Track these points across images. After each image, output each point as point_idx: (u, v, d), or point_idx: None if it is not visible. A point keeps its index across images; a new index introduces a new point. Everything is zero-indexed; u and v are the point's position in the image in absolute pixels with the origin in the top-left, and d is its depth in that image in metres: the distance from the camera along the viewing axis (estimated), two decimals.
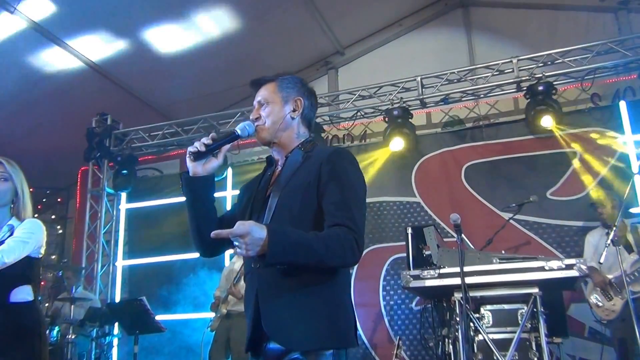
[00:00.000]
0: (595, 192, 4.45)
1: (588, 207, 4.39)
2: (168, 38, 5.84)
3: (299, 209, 1.46)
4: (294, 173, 1.53)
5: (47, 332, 4.62)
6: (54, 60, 5.65)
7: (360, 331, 5.27)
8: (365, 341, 5.23)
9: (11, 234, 2.23)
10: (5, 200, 2.30)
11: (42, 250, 2.34)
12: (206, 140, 1.50)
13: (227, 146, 1.54)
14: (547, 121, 4.91)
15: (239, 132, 1.55)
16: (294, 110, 1.63)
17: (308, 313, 1.39)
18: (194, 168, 1.53)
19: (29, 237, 2.24)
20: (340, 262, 1.41)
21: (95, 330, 5.19)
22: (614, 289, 3.89)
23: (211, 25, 5.89)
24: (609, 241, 3.23)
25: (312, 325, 1.39)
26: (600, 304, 3.96)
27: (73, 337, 4.78)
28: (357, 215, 1.44)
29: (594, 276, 3.96)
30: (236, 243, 1.29)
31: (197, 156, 1.50)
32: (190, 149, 1.50)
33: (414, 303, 5.14)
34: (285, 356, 1.40)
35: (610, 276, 3.92)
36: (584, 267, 2.91)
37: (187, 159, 1.52)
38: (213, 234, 1.32)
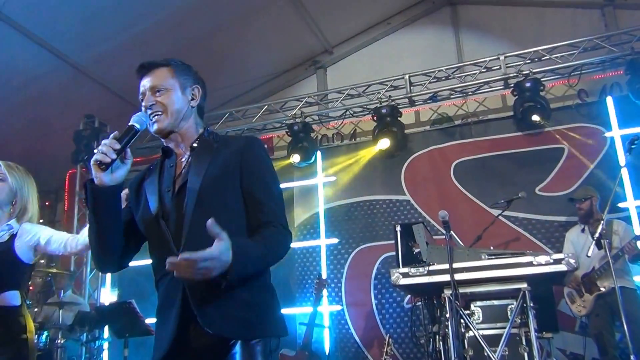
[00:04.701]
0: (580, 189, 4.46)
1: (568, 202, 4.41)
2: (152, 38, 5.78)
3: (226, 198, 1.43)
4: (210, 164, 1.44)
5: (36, 337, 4.56)
6: (39, 62, 5.58)
7: (352, 330, 5.26)
8: (358, 340, 5.22)
9: (12, 236, 2.21)
10: (1, 200, 2.29)
11: (36, 258, 2.33)
12: (114, 144, 1.35)
13: (128, 147, 1.40)
14: (535, 118, 4.93)
15: (137, 126, 1.41)
16: (193, 99, 1.54)
17: (245, 302, 1.37)
18: (102, 178, 1.35)
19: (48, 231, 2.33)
20: (279, 259, 1.44)
21: (85, 334, 5.13)
22: (584, 285, 3.93)
23: (197, 24, 5.85)
24: (597, 235, 3.25)
25: (253, 313, 1.38)
26: (572, 301, 4.00)
27: (62, 341, 4.72)
28: (282, 211, 1.48)
29: (567, 275, 3.99)
30: (202, 265, 1.20)
31: (107, 165, 1.34)
32: (98, 157, 1.33)
33: (405, 301, 5.14)
34: (220, 351, 1.35)
35: (580, 273, 3.96)
36: (572, 261, 2.92)
37: (93, 169, 1.35)
38: (172, 260, 1.19)
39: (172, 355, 1.36)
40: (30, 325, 2.25)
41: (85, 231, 2.28)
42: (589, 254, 3.57)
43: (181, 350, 1.36)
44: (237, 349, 1.34)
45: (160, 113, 1.47)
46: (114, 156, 1.34)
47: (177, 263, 1.20)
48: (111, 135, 1.37)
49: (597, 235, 3.25)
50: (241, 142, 1.49)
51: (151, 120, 1.47)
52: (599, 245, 3.62)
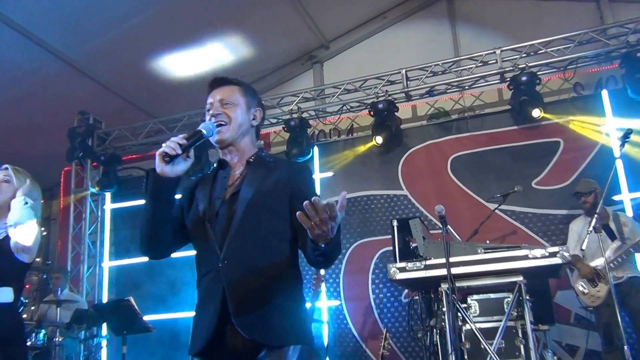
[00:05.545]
0: (580, 182, 4.47)
1: (572, 196, 4.42)
2: (147, 34, 5.74)
3: (273, 211, 1.53)
4: (264, 179, 1.55)
5: (34, 335, 4.56)
6: (30, 58, 5.52)
7: (350, 325, 5.28)
8: (356, 335, 5.24)
9: (7, 235, 2.21)
10: (3, 201, 2.35)
11: (31, 257, 2.31)
12: (180, 140, 1.46)
13: (191, 148, 1.51)
14: (531, 111, 4.94)
15: (204, 132, 1.52)
16: (254, 119, 1.67)
17: (279, 310, 1.44)
18: (163, 168, 1.46)
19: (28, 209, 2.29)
20: (338, 257, 1.51)
21: (83, 332, 5.13)
22: (599, 276, 3.94)
23: (191, 18, 5.80)
24: (590, 228, 3.27)
25: (285, 321, 1.44)
26: (585, 291, 4.01)
27: (60, 339, 4.72)
28: None
29: (579, 266, 4.01)
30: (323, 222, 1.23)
31: (171, 158, 1.46)
32: (165, 149, 1.45)
33: (402, 295, 5.16)
34: (249, 353, 1.43)
35: (594, 264, 3.98)
36: (566, 254, 2.94)
37: (158, 159, 1.46)
38: (316, 200, 1.22)
39: (207, 350, 1.44)
40: (22, 322, 2.25)
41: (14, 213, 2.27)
42: (583, 247, 3.59)
43: (216, 347, 1.44)
44: (268, 353, 1.42)
45: (224, 123, 1.58)
46: (179, 151, 1.45)
47: (320, 207, 1.23)
48: (180, 135, 1.49)
49: (591, 227, 3.27)
50: (293, 166, 1.65)
51: (216, 130, 1.57)
52: (611, 237, 3.66)
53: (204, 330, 1.45)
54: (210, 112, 1.61)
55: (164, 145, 1.46)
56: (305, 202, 1.23)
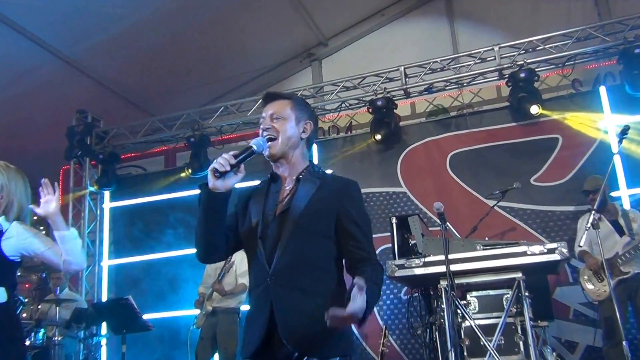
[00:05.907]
0: (587, 179, 4.44)
1: (579, 193, 4.38)
2: (145, 31, 5.72)
3: (321, 228, 1.62)
4: (312, 196, 1.63)
5: (33, 334, 4.56)
6: (27, 56, 5.50)
7: None
8: (356, 332, 5.24)
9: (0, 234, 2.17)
10: None
11: (22, 254, 2.28)
12: (231, 159, 1.55)
13: (242, 163, 1.60)
14: (529, 108, 4.94)
15: (255, 147, 1.59)
16: (304, 132, 1.72)
17: (322, 324, 1.47)
18: (214, 183, 1.55)
19: (42, 239, 2.23)
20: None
21: (82, 331, 5.12)
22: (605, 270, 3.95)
23: (191, 17, 5.79)
24: (588, 225, 3.27)
25: (326, 334, 1.51)
26: (591, 285, 4.02)
27: (59, 338, 4.71)
28: (372, 248, 1.66)
29: (587, 259, 4.02)
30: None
31: (222, 174, 1.54)
32: (216, 166, 1.54)
33: (402, 292, 5.17)
34: None
35: (600, 258, 3.98)
36: (564, 250, 2.94)
37: (209, 175, 1.55)
38: (331, 317, 1.38)
39: (258, 356, 1.56)
40: (18, 322, 2.23)
41: (62, 247, 2.24)
42: (581, 244, 3.59)
43: (265, 353, 1.56)
44: None
45: (274, 138, 1.65)
46: (228, 168, 1.54)
47: (342, 317, 1.39)
48: (231, 152, 1.57)
49: (588, 225, 3.28)
50: (341, 183, 1.70)
51: (267, 145, 1.65)
52: (619, 232, 3.63)
53: (255, 337, 1.57)
54: (262, 126, 1.68)
55: (215, 161, 1.54)
56: (331, 317, 1.37)
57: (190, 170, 5.91)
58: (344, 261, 1.65)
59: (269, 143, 1.64)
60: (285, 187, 1.68)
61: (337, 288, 1.62)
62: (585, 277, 4.08)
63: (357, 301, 1.38)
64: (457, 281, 3.06)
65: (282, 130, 1.65)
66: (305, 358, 1.53)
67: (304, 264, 1.58)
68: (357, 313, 1.38)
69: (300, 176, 1.68)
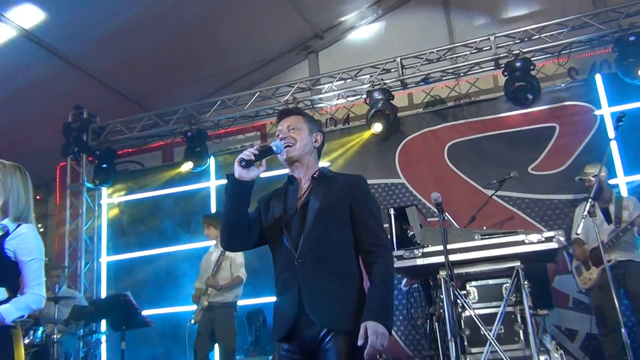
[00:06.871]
0: (585, 166, 4.43)
1: (576, 181, 4.38)
2: (140, 26, 5.67)
3: (338, 218, 1.85)
4: (328, 191, 1.87)
5: (32, 332, 4.54)
6: (23, 53, 5.45)
7: None
8: None
9: (5, 234, 2.15)
10: None
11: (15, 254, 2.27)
12: (255, 150, 1.80)
13: (263, 159, 1.83)
14: (524, 97, 4.93)
15: (274, 148, 1.84)
16: (316, 142, 2.00)
17: (344, 301, 1.76)
18: (240, 172, 1.79)
19: (38, 255, 2.24)
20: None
21: (82, 328, 5.11)
22: (592, 259, 3.97)
23: (187, 11, 5.74)
24: (585, 212, 3.28)
25: (348, 310, 1.74)
26: (579, 274, 4.05)
27: (58, 336, 4.70)
28: (384, 233, 1.91)
29: (575, 248, 4.04)
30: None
31: (247, 163, 1.77)
32: (243, 156, 1.78)
33: (402, 284, 5.18)
34: (320, 338, 1.73)
35: (589, 247, 4.00)
36: (562, 238, 2.95)
37: (236, 164, 1.78)
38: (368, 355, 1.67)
39: (288, 337, 1.76)
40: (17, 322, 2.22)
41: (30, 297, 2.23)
42: (578, 232, 3.60)
43: (295, 334, 1.75)
44: (333, 337, 1.71)
45: (291, 144, 1.92)
46: (253, 158, 1.78)
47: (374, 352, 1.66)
48: (254, 147, 1.83)
49: (586, 212, 3.28)
50: (351, 179, 1.95)
51: (284, 149, 1.90)
52: (608, 220, 3.64)
53: (285, 319, 1.77)
54: (280, 136, 1.94)
55: (241, 154, 1.79)
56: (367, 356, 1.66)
57: (191, 164, 5.88)
58: (358, 244, 1.85)
59: (287, 148, 1.89)
60: (302, 186, 1.93)
61: (355, 270, 1.84)
62: (575, 266, 4.10)
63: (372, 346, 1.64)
64: (456, 271, 3.05)
65: (299, 138, 1.91)
66: (332, 334, 1.70)
67: (327, 246, 1.79)
68: (380, 346, 1.65)
69: (315, 175, 1.93)
